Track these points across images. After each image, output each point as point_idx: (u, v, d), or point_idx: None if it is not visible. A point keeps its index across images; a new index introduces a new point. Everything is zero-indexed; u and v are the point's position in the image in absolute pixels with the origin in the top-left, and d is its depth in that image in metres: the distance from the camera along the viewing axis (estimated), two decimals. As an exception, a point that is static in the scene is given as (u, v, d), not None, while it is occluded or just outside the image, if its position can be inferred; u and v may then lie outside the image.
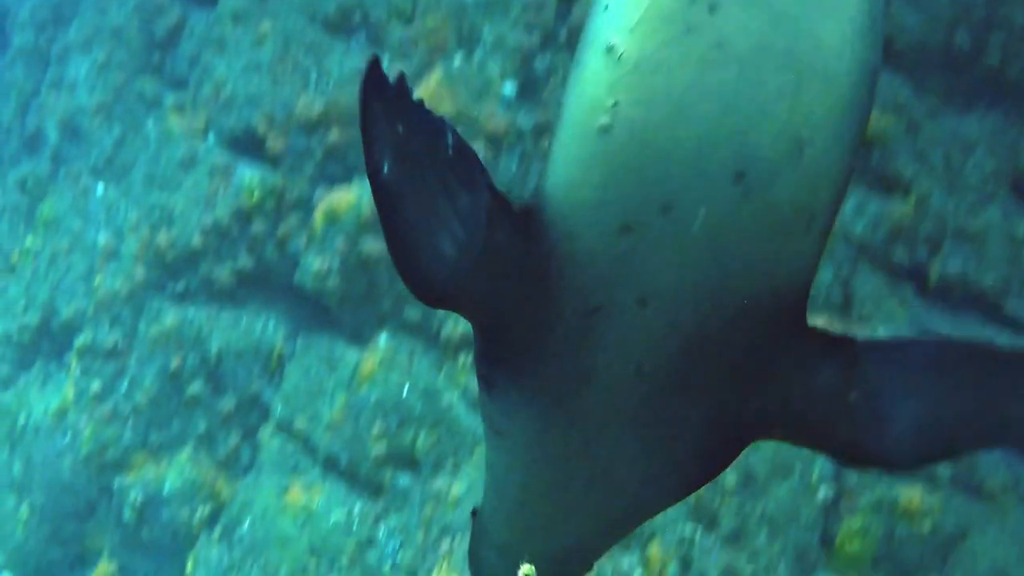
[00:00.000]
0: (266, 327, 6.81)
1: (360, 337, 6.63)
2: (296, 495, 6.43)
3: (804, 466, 6.09)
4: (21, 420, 7.29)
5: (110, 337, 6.96)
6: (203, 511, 6.69)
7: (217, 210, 6.78)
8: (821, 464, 6.07)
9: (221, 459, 6.83)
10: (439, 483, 6.09)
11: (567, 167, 2.18)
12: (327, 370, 6.54)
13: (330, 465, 6.50)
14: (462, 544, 5.77)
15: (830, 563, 6.32)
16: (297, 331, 6.86)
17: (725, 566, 5.98)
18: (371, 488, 6.39)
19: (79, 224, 7.43)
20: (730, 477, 6.02)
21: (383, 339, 6.57)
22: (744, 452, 2.51)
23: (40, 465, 7.06)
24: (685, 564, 6.00)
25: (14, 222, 8.06)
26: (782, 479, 6.04)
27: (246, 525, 6.38)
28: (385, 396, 6.29)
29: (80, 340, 7.12)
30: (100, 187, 7.41)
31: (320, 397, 6.50)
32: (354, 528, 6.29)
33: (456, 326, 6.35)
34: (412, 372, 6.37)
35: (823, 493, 6.06)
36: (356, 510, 6.37)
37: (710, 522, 6.05)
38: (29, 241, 7.73)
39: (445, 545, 5.89)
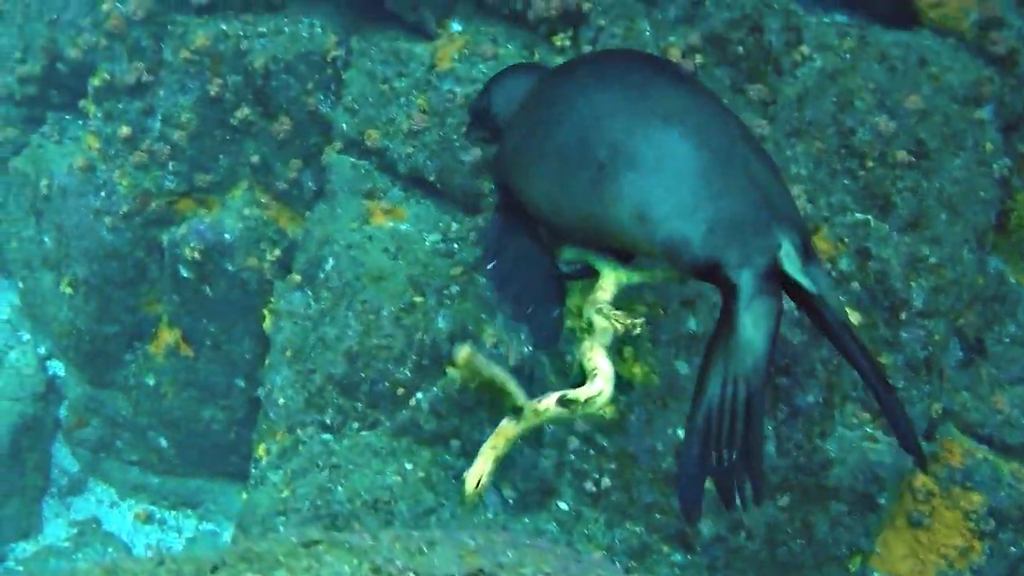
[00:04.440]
0: (313, 30, 5.65)
1: (425, 29, 5.53)
2: (379, 220, 5.43)
3: (976, 134, 5.10)
4: (43, 187, 6.20)
5: (131, 70, 5.79)
6: (273, 254, 5.72)
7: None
8: (991, 133, 5.12)
9: (282, 191, 5.79)
10: (550, 183, 5.04)
11: None
12: (396, 69, 5.41)
13: (414, 181, 5.47)
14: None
15: (998, 247, 5.47)
16: (349, 30, 5.73)
17: (907, 255, 5.03)
18: (468, 201, 5.38)
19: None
20: (900, 152, 5.02)
21: (455, 26, 5.47)
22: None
23: (75, 232, 6.01)
24: (862, 255, 5.05)
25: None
26: (955, 151, 5.06)
27: (329, 264, 5.40)
28: (472, 89, 5.19)
29: (95, 80, 5.96)
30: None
31: (393, 102, 5.40)
32: (456, 250, 5.31)
33: (548, 3, 5.20)
34: (500, 59, 5.26)
35: (999, 165, 5.13)
36: (453, 229, 5.37)
37: (884, 205, 5.10)
38: (13, -23, 6.46)
39: (569, 251, 4.89)
